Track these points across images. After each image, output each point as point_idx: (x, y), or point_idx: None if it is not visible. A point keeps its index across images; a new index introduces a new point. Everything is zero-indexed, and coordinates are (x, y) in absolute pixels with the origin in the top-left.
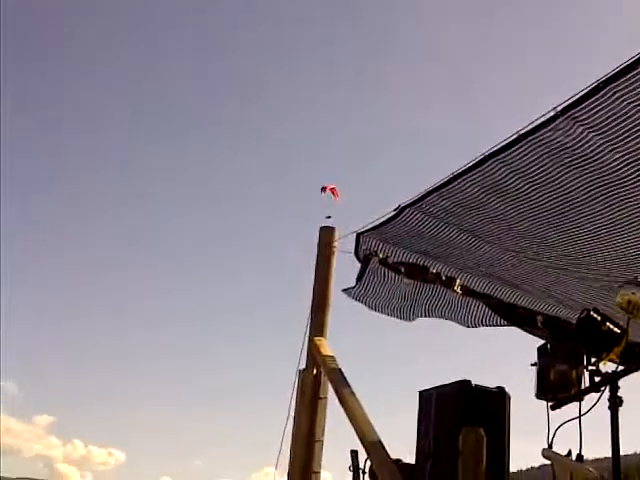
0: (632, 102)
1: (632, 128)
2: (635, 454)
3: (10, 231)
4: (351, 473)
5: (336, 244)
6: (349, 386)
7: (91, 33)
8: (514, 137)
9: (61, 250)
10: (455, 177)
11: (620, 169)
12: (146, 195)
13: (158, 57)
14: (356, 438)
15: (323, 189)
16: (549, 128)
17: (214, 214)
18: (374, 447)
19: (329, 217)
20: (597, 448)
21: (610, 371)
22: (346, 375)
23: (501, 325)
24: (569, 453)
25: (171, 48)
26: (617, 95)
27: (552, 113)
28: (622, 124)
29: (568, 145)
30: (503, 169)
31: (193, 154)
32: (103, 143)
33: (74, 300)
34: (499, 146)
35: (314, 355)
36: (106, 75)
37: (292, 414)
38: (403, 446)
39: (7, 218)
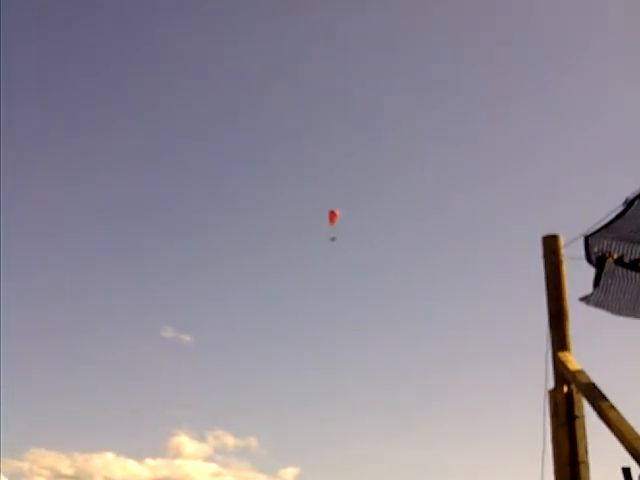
0: None
1: None
2: None
3: None
4: None
5: (563, 251)
6: (608, 400)
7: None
8: None
9: None
10: None
11: None
12: None
13: None
14: (619, 454)
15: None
16: None
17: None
18: None
19: (333, 239)
20: None
21: None
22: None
23: None
24: None
25: None
26: None
27: None
28: None
29: None
30: None
31: None
32: None
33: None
34: None
35: (561, 372)
36: None
37: (548, 438)
38: None
39: None
